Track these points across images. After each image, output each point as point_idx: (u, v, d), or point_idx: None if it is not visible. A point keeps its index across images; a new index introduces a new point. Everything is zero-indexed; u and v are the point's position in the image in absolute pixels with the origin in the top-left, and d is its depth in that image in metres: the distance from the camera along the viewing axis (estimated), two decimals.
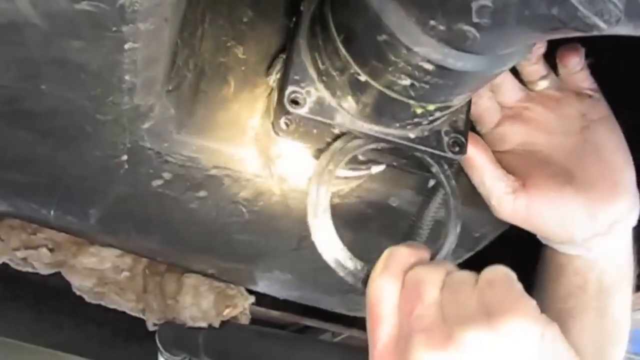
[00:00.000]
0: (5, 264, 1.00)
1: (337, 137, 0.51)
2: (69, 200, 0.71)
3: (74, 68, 0.46)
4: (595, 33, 0.31)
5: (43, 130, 0.57)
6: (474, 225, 0.69)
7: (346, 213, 0.66)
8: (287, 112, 0.48)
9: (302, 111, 0.48)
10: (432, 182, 0.56)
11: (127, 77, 0.47)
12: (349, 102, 0.48)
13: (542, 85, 0.59)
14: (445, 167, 0.53)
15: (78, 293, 1.04)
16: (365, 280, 0.48)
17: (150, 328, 1.12)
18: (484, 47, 0.38)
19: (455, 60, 0.39)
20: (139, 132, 0.56)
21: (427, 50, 0.38)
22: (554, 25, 0.32)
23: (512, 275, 0.43)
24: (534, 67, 0.58)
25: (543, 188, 0.58)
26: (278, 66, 0.56)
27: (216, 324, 1.04)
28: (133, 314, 1.09)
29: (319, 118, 0.48)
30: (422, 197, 0.57)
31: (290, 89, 0.48)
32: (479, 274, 0.44)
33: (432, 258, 0.50)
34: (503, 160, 0.60)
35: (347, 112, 0.49)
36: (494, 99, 0.59)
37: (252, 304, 1.07)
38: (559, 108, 0.59)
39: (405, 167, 0.57)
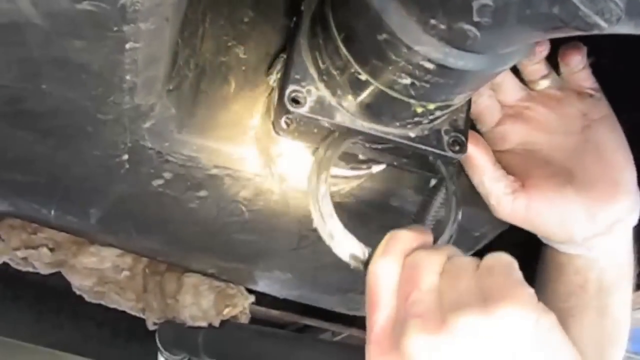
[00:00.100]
0: (5, 264, 1.00)
1: None
2: (69, 200, 0.71)
3: (75, 68, 0.46)
4: (596, 32, 0.31)
5: (44, 130, 0.57)
6: (474, 225, 0.69)
7: (346, 212, 0.66)
8: (288, 111, 0.48)
9: (303, 110, 0.48)
10: (433, 182, 0.56)
11: (128, 77, 0.47)
12: (350, 101, 0.48)
13: (543, 84, 0.59)
14: (450, 167, 0.53)
15: (78, 292, 1.04)
16: (367, 264, 0.48)
17: (150, 327, 1.12)
18: (485, 46, 0.38)
19: (456, 60, 0.39)
20: (140, 131, 0.56)
21: (428, 49, 0.38)
22: (555, 24, 0.32)
23: (513, 262, 0.43)
24: (535, 67, 0.58)
25: (543, 188, 0.58)
26: (278, 66, 0.56)
27: (216, 324, 1.04)
28: (133, 313, 1.09)
29: (319, 117, 0.48)
30: (423, 196, 0.57)
31: (290, 88, 0.48)
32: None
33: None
34: (503, 159, 0.60)
35: (347, 111, 0.49)
36: (495, 97, 0.59)
37: (252, 303, 1.07)
38: (560, 107, 0.59)
39: (406, 166, 0.57)
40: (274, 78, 0.57)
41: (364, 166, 0.58)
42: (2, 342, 1.46)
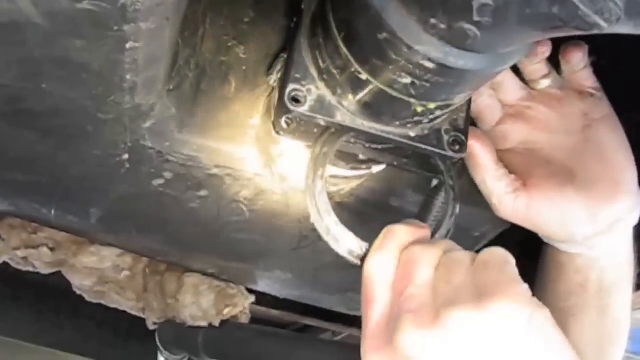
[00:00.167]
0: (5, 264, 1.00)
1: None
2: (69, 200, 0.71)
3: (76, 67, 0.46)
4: (595, 32, 0.31)
5: (44, 130, 0.57)
6: (474, 224, 0.69)
7: (346, 213, 0.66)
8: (288, 111, 0.48)
9: (303, 109, 0.48)
10: (434, 182, 0.56)
11: (128, 77, 0.47)
12: (350, 101, 0.48)
13: (544, 84, 0.59)
14: (447, 161, 0.54)
15: (78, 292, 1.04)
16: (363, 259, 0.48)
17: (151, 327, 1.13)
18: (485, 45, 0.38)
19: (456, 59, 0.39)
20: (140, 131, 0.56)
21: (428, 48, 0.38)
22: (555, 24, 0.32)
23: (508, 258, 0.43)
24: (536, 66, 0.58)
25: (543, 188, 0.58)
26: (279, 66, 0.56)
27: (216, 323, 1.04)
28: (133, 313, 1.09)
29: (319, 116, 0.48)
30: (424, 197, 0.57)
31: (291, 87, 0.48)
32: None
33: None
34: (504, 158, 0.60)
35: (347, 111, 0.49)
36: (495, 97, 0.59)
37: (252, 303, 1.07)
38: (561, 107, 0.59)
39: (406, 166, 0.57)
40: (274, 78, 0.57)
41: (364, 166, 0.58)
42: (2, 342, 1.46)
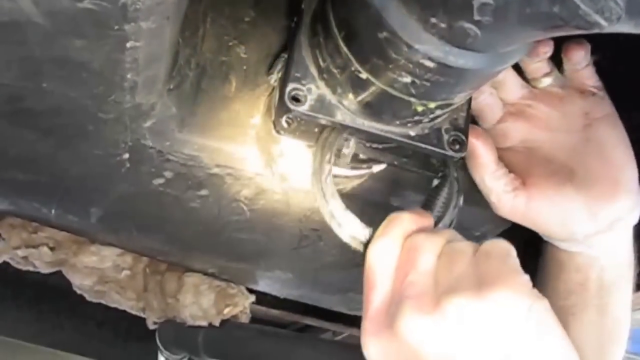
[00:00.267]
0: (5, 263, 1.00)
1: None
2: (70, 199, 0.71)
3: (76, 66, 0.46)
4: (596, 31, 0.31)
5: (44, 129, 0.57)
6: (475, 224, 0.69)
7: None
8: (288, 110, 0.48)
9: (303, 108, 0.48)
10: (435, 182, 0.56)
11: (128, 76, 0.47)
12: (350, 100, 0.48)
13: (546, 82, 0.59)
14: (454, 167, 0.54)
15: (78, 292, 1.04)
16: (367, 245, 0.48)
17: (151, 327, 1.12)
18: (485, 44, 0.38)
19: (457, 58, 0.39)
20: (141, 130, 0.56)
21: (428, 47, 0.38)
22: (555, 23, 0.32)
23: (510, 249, 0.44)
24: (537, 64, 0.58)
25: (543, 187, 0.58)
26: (279, 65, 0.56)
27: (216, 323, 1.04)
28: (133, 312, 1.09)
29: (319, 115, 0.49)
30: (426, 196, 0.57)
31: (291, 86, 0.48)
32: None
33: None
34: (504, 157, 0.60)
35: (347, 110, 0.49)
36: (496, 95, 0.59)
37: (253, 302, 1.07)
38: (562, 106, 0.59)
39: (406, 166, 0.57)
40: (274, 77, 0.57)
41: (365, 165, 0.58)
42: (2, 341, 1.46)
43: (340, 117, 0.49)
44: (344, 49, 0.44)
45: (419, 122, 0.49)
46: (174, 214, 0.70)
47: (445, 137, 0.52)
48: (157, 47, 0.45)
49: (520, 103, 0.60)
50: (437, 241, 0.46)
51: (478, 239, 0.71)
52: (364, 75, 0.44)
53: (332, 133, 0.51)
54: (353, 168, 0.58)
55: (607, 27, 0.30)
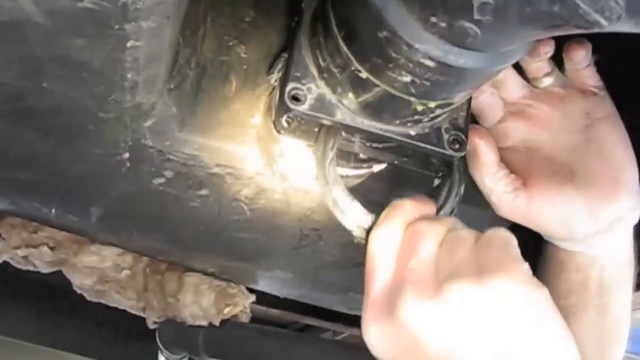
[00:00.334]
0: (5, 263, 1.00)
1: None
2: (70, 199, 0.71)
3: (77, 66, 0.46)
4: (596, 30, 0.31)
5: (45, 128, 0.57)
6: (475, 224, 0.69)
7: None
8: (289, 110, 0.48)
9: (303, 108, 0.48)
10: (436, 182, 0.56)
11: (129, 75, 0.47)
12: (350, 99, 0.48)
13: (547, 82, 0.59)
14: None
15: (79, 291, 1.04)
16: (369, 231, 0.49)
17: (151, 326, 1.12)
18: (485, 44, 0.38)
19: (457, 57, 0.39)
20: (141, 130, 0.56)
21: (428, 47, 0.38)
22: (556, 22, 0.32)
23: (511, 238, 0.45)
24: (538, 64, 0.58)
25: (543, 187, 0.58)
26: (279, 65, 0.56)
27: (216, 323, 1.04)
28: (133, 312, 1.09)
29: (319, 115, 0.49)
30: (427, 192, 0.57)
31: (291, 85, 0.48)
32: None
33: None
34: (505, 156, 0.60)
35: (347, 109, 0.49)
36: (497, 94, 0.59)
37: (253, 302, 1.07)
38: (563, 105, 0.59)
39: (406, 165, 0.57)
40: (275, 77, 0.57)
41: (365, 165, 0.59)
42: (2, 341, 1.46)
43: (340, 116, 0.49)
44: (344, 48, 0.44)
45: (419, 121, 0.49)
46: (174, 214, 0.70)
47: (445, 136, 0.52)
48: (157, 47, 0.46)
49: (521, 103, 0.60)
50: (439, 229, 0.46)
51: None
52: (364, 74, 0.44)
53: (331, 128, 0.51)
54: (353, 167, 0.58)
55: (607, 27, 0.30)
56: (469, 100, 0.54)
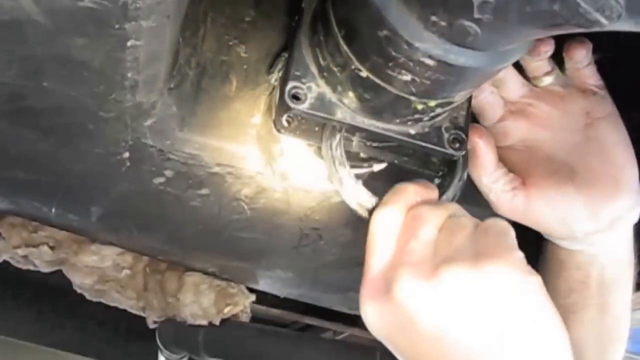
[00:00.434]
0: (5, 262, 1.00)
1: None
2: (70, 198, 0.71)
3: (77, 65, 0.46)
4: (596, 29, 0.31)
5: (45, 128, 0.57)
6: None
7: (347, 211, 0.66)
8: (289, 109, 0.48)
9: (303, 107, 0.48)
10: (437, 181, 0.56)
11: (129, 75, 0.47)
12: (350, 98, 0.48)
13: (547, 81, 0.59)
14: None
15: (79, 291, 1.04)
16: (371, 212, 0.50)
17: (151, 326, 1.12)
18: (486, 43, 0.38)
19: (457, 56, 0.39)
20: (141, 129, 0.56)
21: (428, 46, 0.38)
22: (556, 21, 0.32)
23: (509, 228, 0.46)
24: (539, 63, 0.58)
25: (543, 186, 0.58)
26: (280, 65, 0.56)
27: (217, 322, 1.04)
28: (133, 311, 1.09)
29: (319, 114, 0.49)
30: None
31: (291, 84, 0.48)
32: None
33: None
34: (505, 155, 0.60)
35: (347, 108, 0.49)
36: (497, 93, 0.59)
37: (253, 302, 1.07)
38: (563, 105, 0.59)
39: (407, 164, 0.57)
40: (275, 77, 0.57)
41: (365, 164, 0.58)
42: (2, 341, 1.46)
43: (340, 115, 0.49)
44: (344, 47, 0.44)
45: (419, 120, 0.49)
46: (174, 213, 0.70)
47: (446, 135, 0.52)
48: (157, 46, 0.46)
49: (521, 102, 0.60)
50: (440, 213, 0.47)
51: None
52: (364, 73, 0.44)
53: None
54: (353, 167, 0.58)
55: (608, 26, 0.30)
56: (470, 99, 0.54)
